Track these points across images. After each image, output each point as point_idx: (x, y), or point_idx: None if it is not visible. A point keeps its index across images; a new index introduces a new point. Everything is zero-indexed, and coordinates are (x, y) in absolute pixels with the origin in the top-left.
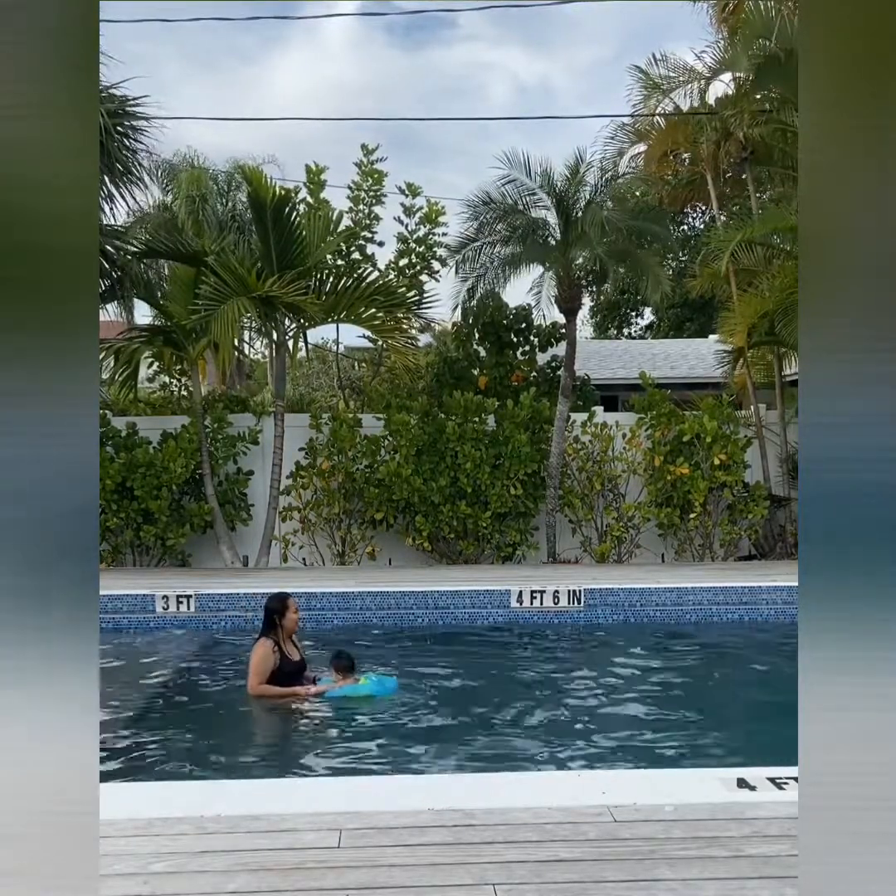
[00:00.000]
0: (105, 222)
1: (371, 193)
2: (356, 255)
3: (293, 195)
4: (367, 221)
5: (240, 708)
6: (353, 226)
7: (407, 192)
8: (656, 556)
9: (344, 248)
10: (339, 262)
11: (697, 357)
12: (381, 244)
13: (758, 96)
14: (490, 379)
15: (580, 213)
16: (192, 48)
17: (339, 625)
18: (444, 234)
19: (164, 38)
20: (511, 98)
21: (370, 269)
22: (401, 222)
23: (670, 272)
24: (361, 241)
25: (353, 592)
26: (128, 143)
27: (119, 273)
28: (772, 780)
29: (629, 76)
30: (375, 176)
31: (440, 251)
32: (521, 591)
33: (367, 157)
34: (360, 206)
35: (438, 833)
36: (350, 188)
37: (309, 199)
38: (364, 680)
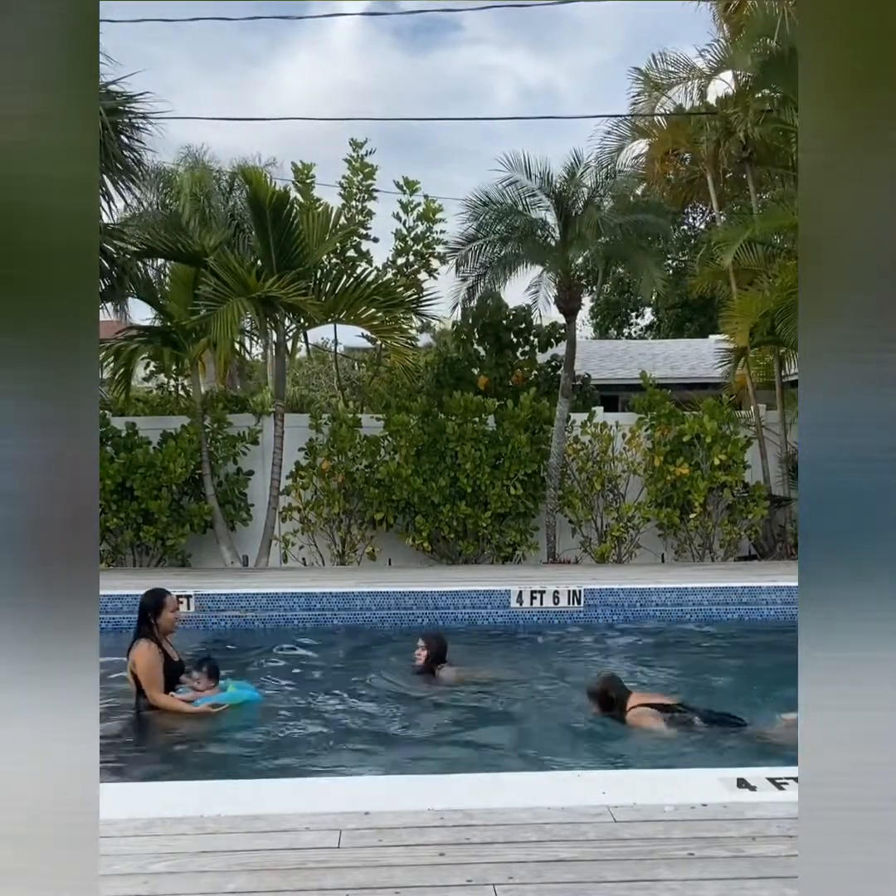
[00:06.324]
0: (104, 221)
1: (362, 188)
2: (351, 253)
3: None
4: (361, 218)
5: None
6: (347, 224)
7: (404, 187)
8: (656, 556)
9: (340, 246)
10: (334, 259)
11: (697, 357)
12: (375, 240)
13: (759, 96)
14: (490, 379)
15: (579, 213)
16: (200, 50)
17: (339, 625)
18: (443, 231)
19: (174, 39)
20: (516, 100)
21: (368, 268)
22: (399, 219)
23: (670, 272)
24: (356, 239)
25: (353, 592)
26: (127, 140)
27: (118, 271)
28: (772, 780)
29: (631, 79)
30: (366, 171)
31: (439, 248)
32: (521, 592)
33: (357, 151)
34: (353, 202)
35: (438, 833)
36: (341, 185)
37: (300, 198)
38: (232, 687)
